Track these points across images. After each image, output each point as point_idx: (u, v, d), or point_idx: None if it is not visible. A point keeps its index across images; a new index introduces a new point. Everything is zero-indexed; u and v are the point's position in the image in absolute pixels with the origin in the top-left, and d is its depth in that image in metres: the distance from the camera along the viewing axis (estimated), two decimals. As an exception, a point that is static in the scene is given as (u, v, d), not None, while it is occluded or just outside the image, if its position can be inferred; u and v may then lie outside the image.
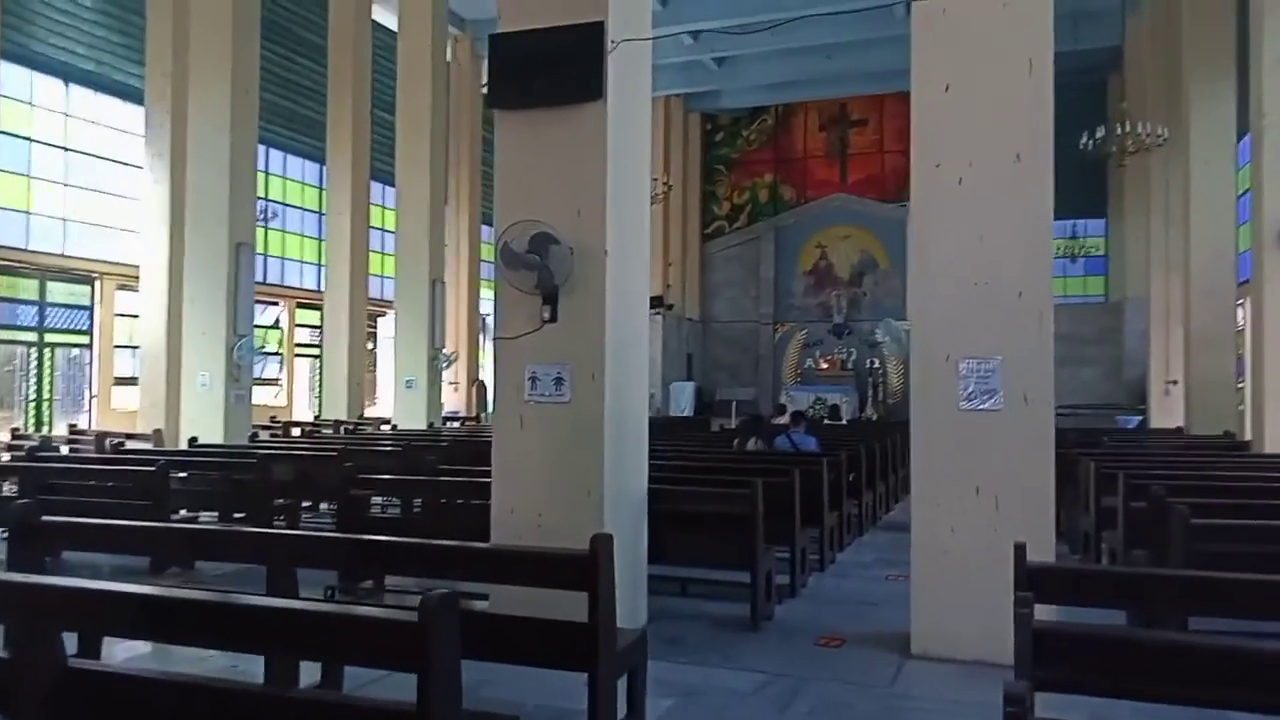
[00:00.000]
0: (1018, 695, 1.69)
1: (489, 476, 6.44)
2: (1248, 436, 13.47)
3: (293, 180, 19.68)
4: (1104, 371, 22.66)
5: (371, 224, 19.53)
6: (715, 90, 26.15)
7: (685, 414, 22.70)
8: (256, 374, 14.36)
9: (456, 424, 18.38)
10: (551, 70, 5.01)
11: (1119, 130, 14.42)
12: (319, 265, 19.87)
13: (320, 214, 19.71)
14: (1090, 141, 14.31)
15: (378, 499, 8.09)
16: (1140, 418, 18.51)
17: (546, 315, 5.02)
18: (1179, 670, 2.10)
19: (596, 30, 4.96)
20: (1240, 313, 15.15)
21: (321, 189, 19.54)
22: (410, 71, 17.05)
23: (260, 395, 15.89)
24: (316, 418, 17.75)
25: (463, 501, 6.79)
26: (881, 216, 26.52)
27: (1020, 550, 3.19)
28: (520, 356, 5.10)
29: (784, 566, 6.20)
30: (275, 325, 19.19)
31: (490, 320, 25.61)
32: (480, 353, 24.71)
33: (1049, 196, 4.79)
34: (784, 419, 13.51)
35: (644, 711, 3.73)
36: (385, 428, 16.25)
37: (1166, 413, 16.89)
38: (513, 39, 5.14)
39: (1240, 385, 16.20)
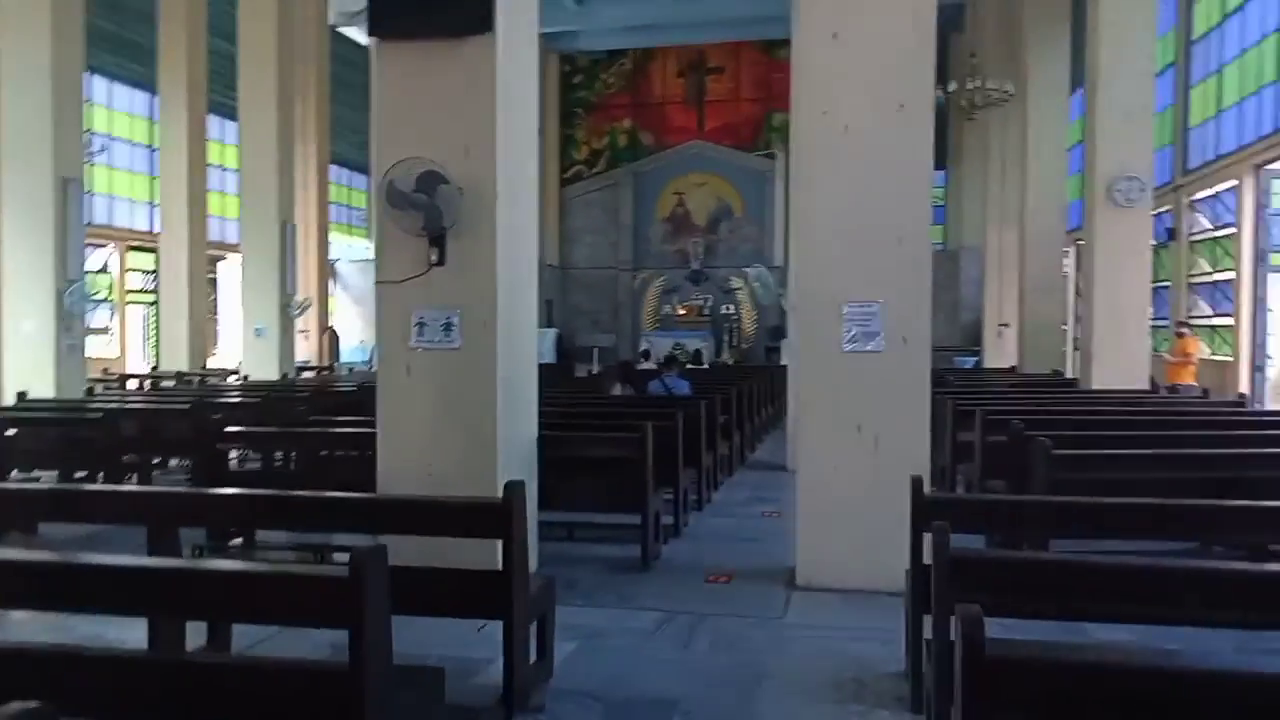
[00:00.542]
0: (973, 617, 1.78)
1: (363, 427, 6.26)
2: (1070, 374, 14.64)
3: (120, 112, 18.12)
4: (943, 316, 23.95)
5: (210, 161, 18.33)
6: (573, 31, 25.71)
7: (547, 361, 22.65)
8: (87, 323, 13.29)
9: (310, 374, 17.67)
10: (438, 0, 4.78)
11: (968, 85, 15.11)
12: (151, 204, 18.49)
13: (152, 148, 18.28)
14: (942, 95, 14.94)
15: (234, 454, 7.70)
16: (975, 358, 19.78)
17: (434, 258, 4.85)
18: (1098, 590, 2.28)
19: (484, -40, 4.76)
20: (1066, 260, 16.34)
21: (153, 121, 18.11)
22: (251, -1, 15.96)
23: (90, 346, 14.75)
24: (154, 369, 16.66)
25: (327, 453, 6.55)
26: (737, 165, 27.01)
27: (917, 484, 3.36)
28: (406, 301, 4.93)
29: (666, 507, 6.32)
30: (104, 269, 17.78)
31: (340, 265, 24.63)
32: (331, 299, 23.76)
33: (929, 146, 4.98)
34: (647, 364, 13.70)
35: (553, 656, 3.75)
36: (233, 378, 15.45)
37: (999, 354, 18.12)
38: (394, -35, 4.86)
39: (1064, 327, 17.52)
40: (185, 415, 8.18)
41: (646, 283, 27.20)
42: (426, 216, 4.72)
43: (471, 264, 4.87)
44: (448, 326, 4.89)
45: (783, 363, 21.57)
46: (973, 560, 2.38)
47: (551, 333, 24.66)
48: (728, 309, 26.35)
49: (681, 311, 26.51)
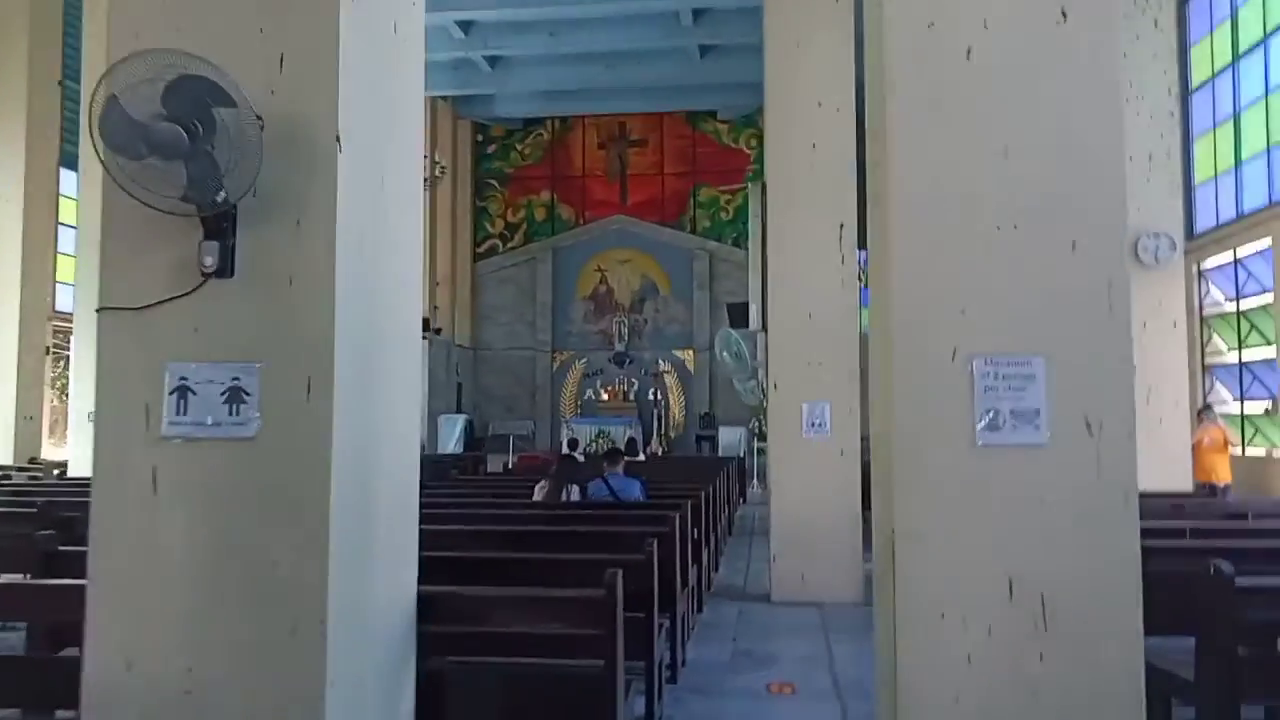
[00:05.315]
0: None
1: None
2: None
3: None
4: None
5: (65, 221, 15.74)
6: (488, 95, 23.90)
7: (454, 451, 19.94)
8: None
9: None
10: None
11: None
12: (-22, 266, 15.58)
13: (-15, 201, 15.48)
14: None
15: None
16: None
17: (210, 262, 2.47)
18: None
19: None
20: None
21: (-14, 170, 15.39)
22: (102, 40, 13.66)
23: None
24: (-35, 461, 13.54)
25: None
26: (662, 241, 25.47)
27: None
28: (153, 346, 2.52)
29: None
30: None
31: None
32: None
33: (1116, 83, 2.88)
34: (574, 454, 11.37)
35: None
36: (57, 473, 12.44)
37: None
38: None
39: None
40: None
41: (567, 365, 24.95)
42: (190, 171, 2.36)
43: (286, 276, 2.51)
44: (235, 396, 2.49)
45: (723, 454, 19.41)
46: None
47: (460, 419, 22.00)
48: (655, 394, 24.22)
49: (605, 396, 24.26)
